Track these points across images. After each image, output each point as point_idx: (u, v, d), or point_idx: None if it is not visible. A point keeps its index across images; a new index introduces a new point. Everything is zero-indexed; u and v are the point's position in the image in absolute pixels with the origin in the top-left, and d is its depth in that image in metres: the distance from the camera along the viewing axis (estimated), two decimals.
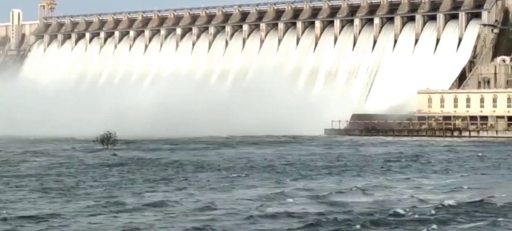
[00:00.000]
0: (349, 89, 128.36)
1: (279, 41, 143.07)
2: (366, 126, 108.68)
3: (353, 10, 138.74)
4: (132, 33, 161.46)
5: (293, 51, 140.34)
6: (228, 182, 42.58)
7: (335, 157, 62.26)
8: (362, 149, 74.43)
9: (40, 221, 28.94)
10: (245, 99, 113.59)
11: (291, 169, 50.97)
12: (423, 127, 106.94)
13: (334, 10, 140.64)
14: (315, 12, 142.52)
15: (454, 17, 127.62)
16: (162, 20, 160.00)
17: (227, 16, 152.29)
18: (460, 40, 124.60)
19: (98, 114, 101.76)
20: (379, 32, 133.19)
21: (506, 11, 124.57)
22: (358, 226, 27.85)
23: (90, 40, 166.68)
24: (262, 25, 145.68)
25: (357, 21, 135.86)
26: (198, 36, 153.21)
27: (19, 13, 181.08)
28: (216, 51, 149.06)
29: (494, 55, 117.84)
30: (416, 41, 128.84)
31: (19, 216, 29.99)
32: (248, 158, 61.23)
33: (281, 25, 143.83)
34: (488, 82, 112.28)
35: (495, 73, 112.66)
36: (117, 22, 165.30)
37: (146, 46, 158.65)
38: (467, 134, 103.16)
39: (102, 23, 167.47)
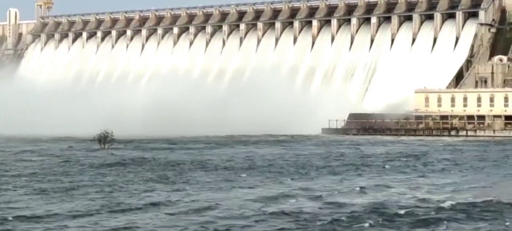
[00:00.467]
0: (346, 88, 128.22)
1: (276, 40, 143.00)
2: (363, 125, 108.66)
3: (350, 9, 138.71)
4: (129, 32, 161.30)
5: (290, 51, 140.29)
6: (227, 182, 42.44)
7: (334, 157, 62.16)
8: (360, 148, 74.34)
9: (37, 221, 28.76)
10: (242, 99, 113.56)
11: (290, 169, 50.86)
12: (420, 126, 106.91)
13: (331, 10, 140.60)
14: (312, 11, 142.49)
15: (451, 16, 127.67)
16: (159, 20, 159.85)
17: (224, 15, 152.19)
18: (457, 39, 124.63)
19: (95, 114, 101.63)
20: (376, 31, 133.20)
21: (503, 11, 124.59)
22: (359, 226, 27.76)
23: (87, 39, 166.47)
24: (259, 24, 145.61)
25: (354, 21, 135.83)
26: (195, 35, 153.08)
27: (16, 13, 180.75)
28: (213, 51, 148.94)
29: (491, 55, 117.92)
30: (413, 40, 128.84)
31: (16, 216, 29.77)
32: (247, 157, 61.10)
33: (278, 25, 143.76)
34: (485, 81, 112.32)
35: (492, 73, 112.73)
36: (114, 21, 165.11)
37: (143, 46, 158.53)
38: (464, 133, 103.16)
39: (99, 22, 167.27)
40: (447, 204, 32.62)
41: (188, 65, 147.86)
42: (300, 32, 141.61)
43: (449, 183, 42.09)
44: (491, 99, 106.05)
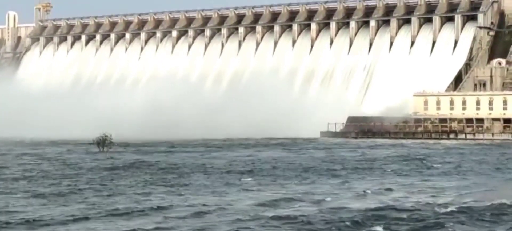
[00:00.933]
0: (345, 91, 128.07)
1: (275, 43, 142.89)
2: (362, 128, 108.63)
3: (349, 12, 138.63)
4: (128, 35, 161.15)
5: (289, 54, 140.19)
6: (227, 185, 42.25)
7: (334, 160, 62.00)
8: (360, 151, 74.22)
9: (36, 226, 28.54)
10: (241, 102, 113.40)
11: (290, 172, 50.69)
12: (419, 129, 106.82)
13: (330, 13, 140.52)
14: (311, 14, 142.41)
15: (450, 19, 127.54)
16: (158, 23, 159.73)
17: (223, 19, 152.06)
18: (456, 42, 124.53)
19: (94, 117, 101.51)
20: (375, 34, 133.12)
21: (502, 14, 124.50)
22: (362, 230, 27.61)
23: (86, 42, 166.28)
24: (258, 28, 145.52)
25: (353, 24, 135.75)
26: (194, 39, 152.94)
27: (14, 16, 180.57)
28: (212, 54, 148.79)
29: (490, 58, 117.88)
30: (412, 43, 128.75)
31: (14, 220, 29.53)
32: (247, 160, 60.92)
33: (277, 28, 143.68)
34: (484, 84, 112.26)
35: (491, 76, 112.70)
36: (113, 24, 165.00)
37: (142, 49, 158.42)
38: (463, 136, 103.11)
39: (98, 25, 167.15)
40: (449, 208, 32.47)
41: (186, 68, 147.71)
42: (298, 35, 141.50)
43: (451, 186, 41.96)
44: (490, 103, 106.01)
